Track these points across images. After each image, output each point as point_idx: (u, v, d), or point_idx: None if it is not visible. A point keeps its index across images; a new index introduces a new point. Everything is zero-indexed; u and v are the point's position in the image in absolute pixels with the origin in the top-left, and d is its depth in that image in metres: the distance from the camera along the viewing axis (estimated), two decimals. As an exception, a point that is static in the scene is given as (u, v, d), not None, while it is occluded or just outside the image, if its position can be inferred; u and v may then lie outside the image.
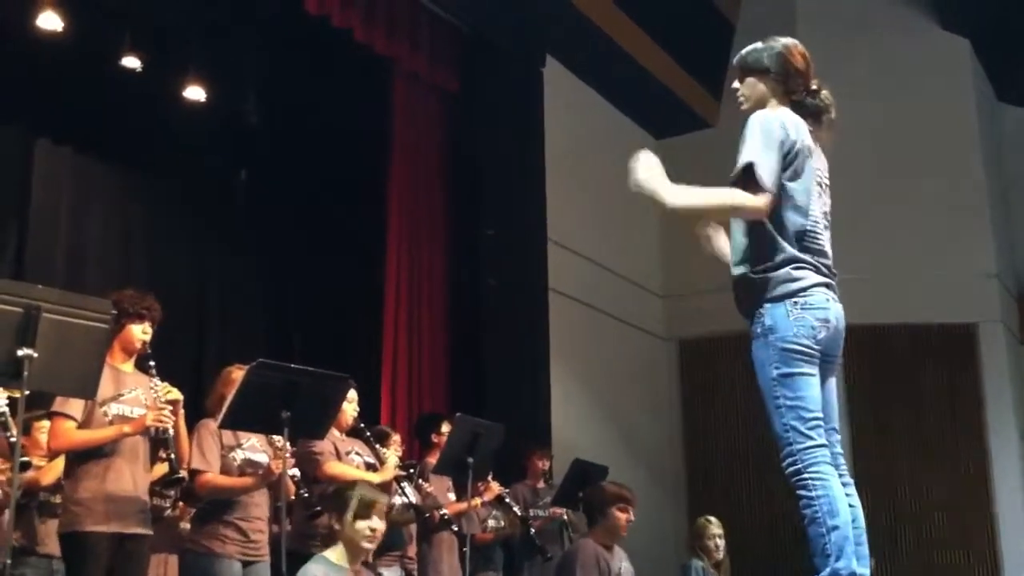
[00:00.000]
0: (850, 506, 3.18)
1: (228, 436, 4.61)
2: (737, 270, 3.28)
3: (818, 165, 3.32)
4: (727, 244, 3.39)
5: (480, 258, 8.30)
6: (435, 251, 8.28)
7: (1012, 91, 11.04)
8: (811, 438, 3.10)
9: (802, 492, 3.07)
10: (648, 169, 3.20)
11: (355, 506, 4.05)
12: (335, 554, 4.05)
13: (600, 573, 5.25)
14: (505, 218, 8.30)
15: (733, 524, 6.99)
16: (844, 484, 3.21)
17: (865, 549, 3.18)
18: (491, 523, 6.42)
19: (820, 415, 3.14)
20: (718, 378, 9.63)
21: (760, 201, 3.11)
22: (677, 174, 3.21)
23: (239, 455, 4.60)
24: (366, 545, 4.10)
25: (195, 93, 7.44)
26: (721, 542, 6.46)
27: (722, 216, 3.34)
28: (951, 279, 9.47)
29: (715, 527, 6.57)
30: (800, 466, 3.08)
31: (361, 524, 4.04)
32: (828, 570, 3.01)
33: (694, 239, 3.53)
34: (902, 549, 7.97)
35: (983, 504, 9.23)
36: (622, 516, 5.39)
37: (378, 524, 4.10)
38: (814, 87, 3.36)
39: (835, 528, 3.02)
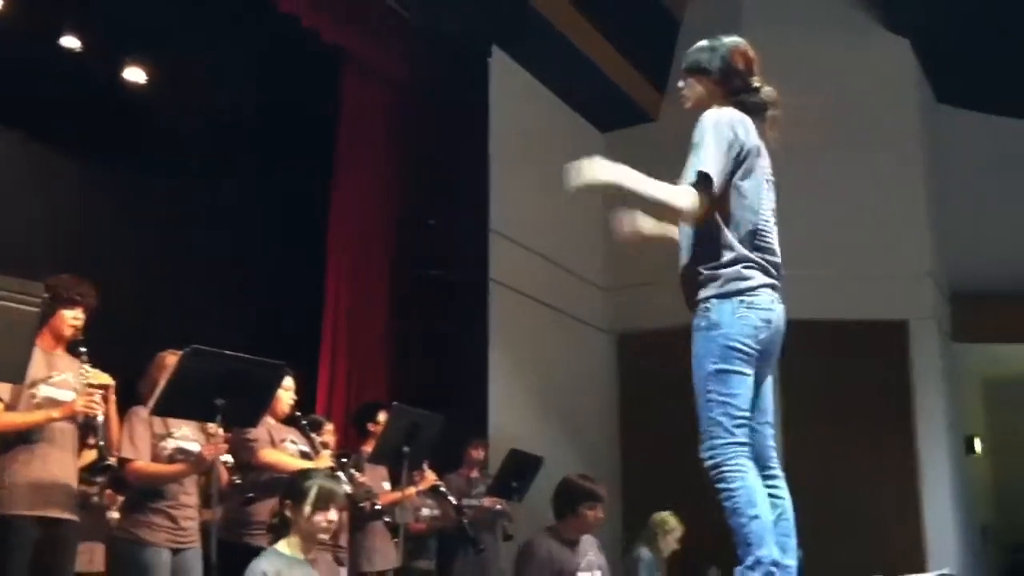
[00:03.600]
0: (779, 499, 3.25)
1: (159, 424, 4.55)
2: (687, 264, 3.32)
3: (765, 163, 3.37)
4: (651, 223, 3.42)
5: (423, 248, 8.28)
6: (378, 241, 8.26)
7: (951, 92, 11.24)
8: (734, 435, 3.15)
9: (721, 485, 3.13)
10: (590, 163, 3.20)
11: (314, 497, 3.98)
12: (287, 546, 3.98)
13: (553, 571, 5.22)
14: (448, 208, 8.30)
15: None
16: (774, 477, 3.28)
17: (793, 541, 3.23)
18: (425, 513, 6.42)
19: (748, 414, 3.19)
20: (657, 372, 9.66)
21: (697, 208, 3.16)
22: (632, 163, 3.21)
23: (170, 443, 4.55)
24: (322, 537, 4.05)
25: (135, 75, 7.32)
26: (676, 543, 6.55)
27: (657, 210, 3.35)
28: (886, 276, 9.62)
29: (676, 525, 6.64)
30: (719, 460, 3.14)
31: (319, 516, 3.99)
32: (751, 559, 3.06)
33: (618, 232, 3.50)
34: (832, 543, 8.07)
35: (911, 499, 9.41)
36: (591, 514, 5.36)
37: (335, 516, 4.06)
38: (756, 85, 3.40)
39: (755, 518, 3.07)
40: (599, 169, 3.15)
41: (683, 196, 3.16)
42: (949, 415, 10.13)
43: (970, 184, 11.25)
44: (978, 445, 12.54)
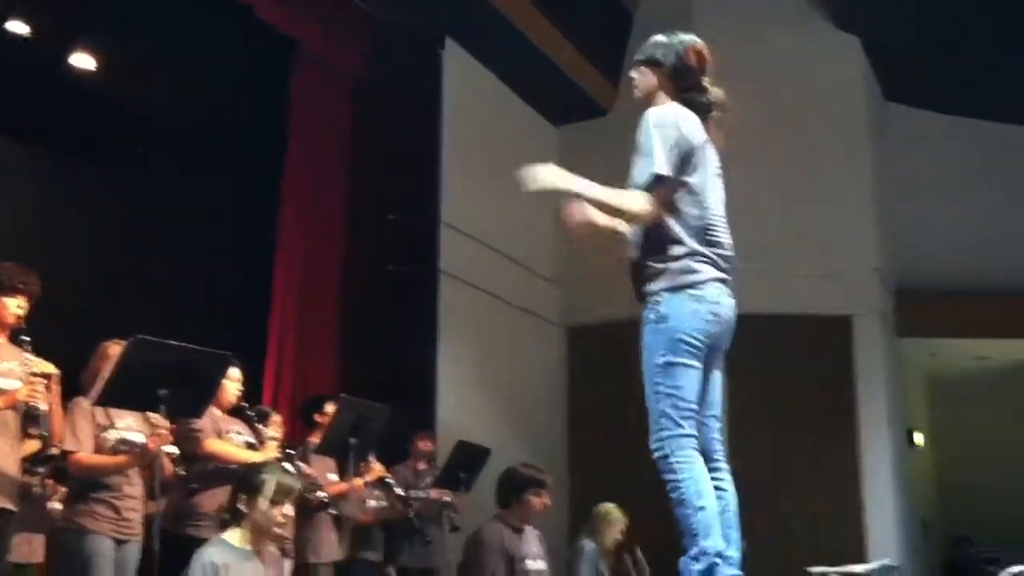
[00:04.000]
0: (724, 491, 3.28)
1: (101, 414, 4.50)
2: (636, 258, 3.35)
3: (712, 157, 3.41)
4: (601, 214, 3.43)
5: (373, 240, 8.24)
6: (329, 232, 8.21)
7: (900, 90, 11.40)
8: (681, 427, 3.18)
9: (669, 476, 3.16)
10: (544, 169, 3.23)
11: (271, 491, 3.94)
12: (236, 536, 3.94)
13: (505, 556, 5.24)
14: (399, 200, 8.27)
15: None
16: (720, 470, 3.32)
17: (736, 533, 3.27)
18: (372, 504, 6.40)
19: (695, 407, 3.23)
20: (607, 365, 9.73)
21: (650, 210, 3.20)
22: (573, 160, 3.24)
23: (113, 434, 4.50)
24: (276, 531, 4.01)
25: (83, 62, 7.22)
26: (620, 534, 6.59)
27: (610, 214, 3.37)
28: (833, 272, 9.74)
29: (620, 517, 6.68)
30: (668, 451, 3.17)
31: (276, 510, 3.95)
32: (696, 549, 3.10)
33: (566, 223, 3.51)
34: (775, 534, 8.17)
35: (853, 491, 9.56)
36: (537, 501, 5.39)
37: (291, 511, 4.03)
38: (705, 85, 3.44)
39: (702, 508, 3.11)
40: (552, 175, 3.21)
41: (635, 201, 3.20)
42: (892, 409, 10.28)
43: (917, 181, 11.43)
44: (920, 439, 12.76)
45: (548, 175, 3.22)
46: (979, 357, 12.56)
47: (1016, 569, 7.03)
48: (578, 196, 3.23)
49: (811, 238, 9.75)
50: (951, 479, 13.10)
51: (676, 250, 3.25)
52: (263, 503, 3.91)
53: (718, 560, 3.09)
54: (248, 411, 5.27)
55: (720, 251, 3.33)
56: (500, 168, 9.01)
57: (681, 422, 3.18)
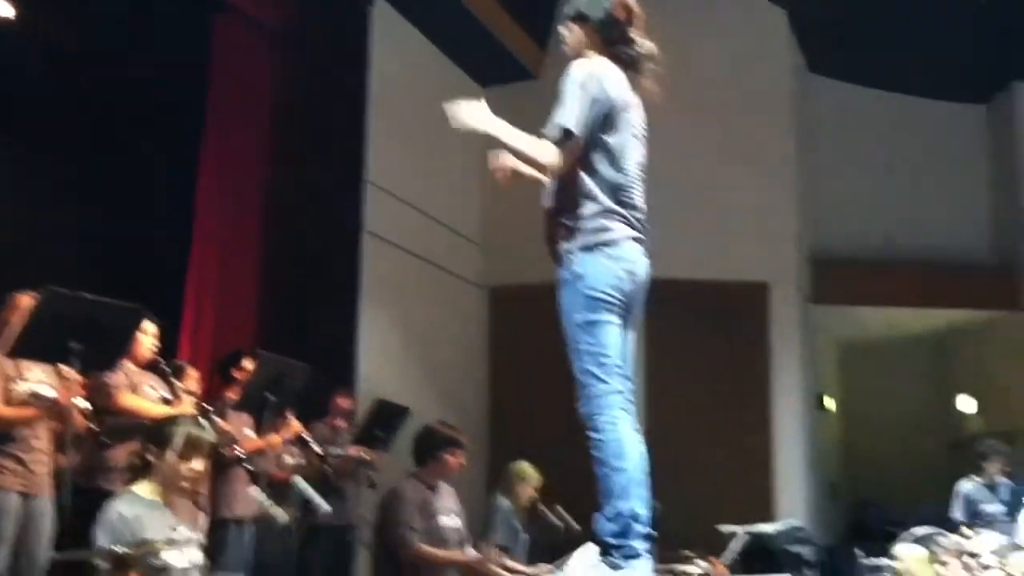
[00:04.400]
0: None
1: (11, 366, 4.42)
2: (551, 215, 3.34)
3: (635, 118, 3.39)
4: (527, 169, 3.44)
5: (296, 198, 8.15)
6: (250, 189, 8.10)
7: (824, 63, 11.57)
8: (607, 383, 3.19)
9: (593, 434, 3.17)
10: (472, 106, 3.21)
11: (180, 444, 3.90)
12: (146, 489, 3.90)
13: (423, 513, 5.26)
14: (324, 159, 8.17)
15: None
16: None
17: (646, 492, 3.29)
18: (289, 461, 6.37)
19: (619, 363, 3.24)
20: (529, 326, 9.77)
21: (558, 162, 3.19)
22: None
23: (22, 387, 4.42)
24: (185, 486, 3.97)
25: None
26: (534, 492, 6.65)
27: (526, 161, 3.37)
28: (751, 239, 9.89)
29: (534, 475, 6.74)
30: (594, 409, 3.18)
31: (184, 464, 3.91)
32: (611, 510, 3.12)
33: (493, 172, 3.53)
34: (687, 493, 8.31)
35: (764, 454, 9.79)
36: (452, 460, 5.41)
37: (200, 466, 3.98)
38: (634, 38, 3.43)
39: (622, 470, 3.12)
40: (475, 114, 3.19)
41: (547, 151, 3.19)
42: (804, 374, 10.52)
43: (835, 152, 11.63)
44: (830, 404, 13.08)
45: (472, 113, 3.20)
46: (891, 325, 12.89)
47: (919, 531, 7.27)
48: (496, 138, 3.20)
49: (730, 205, 9.88)
50: (858, 444, 13.46)
51: (591, 208, 3.25)
52: (171, 456, 3.88)
53: (632, 522, 3.11)
54: (163, 366, 5.21)
55: (634, 212, 3.33)
56: (426, 128, 8.98)
57: (606, 378, 3.19)
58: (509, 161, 3.37)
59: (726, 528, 7.10)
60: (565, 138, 3.18)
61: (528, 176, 3.42)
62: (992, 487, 7.88)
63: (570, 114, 3.19)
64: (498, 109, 3.29)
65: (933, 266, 11.78)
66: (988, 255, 12.47)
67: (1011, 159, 12.37)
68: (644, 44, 3.44)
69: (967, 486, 7.98)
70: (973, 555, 5.47)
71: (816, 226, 11.18)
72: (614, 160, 3.29)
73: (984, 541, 5.73)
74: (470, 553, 5.25)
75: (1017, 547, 5.89)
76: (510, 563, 6.06)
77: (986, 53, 11.23)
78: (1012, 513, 7.84)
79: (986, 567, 5.23)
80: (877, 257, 11.58)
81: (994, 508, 7.79)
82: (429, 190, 9.34)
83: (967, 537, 7.45)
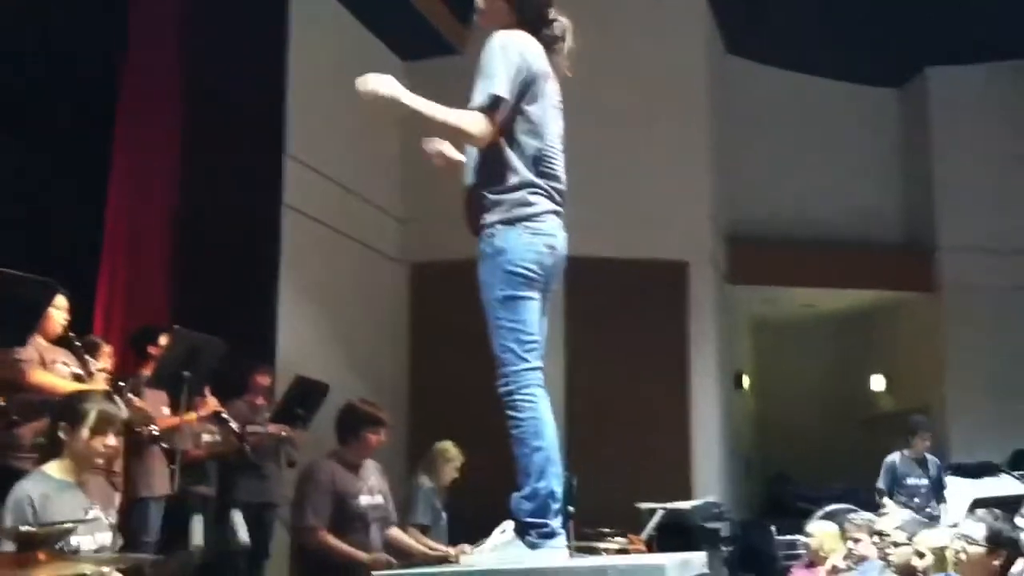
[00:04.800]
0: None
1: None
2: (471, 189, 3.30)
3: (553, 89, 3.37)
4: (456, 154, 3.41)
5: (214, 171, 7.99)
6: (166, 160, 7.91)
7: (741, 44, 11.70)
8: (526, 360, 3.16)
9: (511, 413, 3.14)
10: (381, 79, 3.15)
11: (93, 421, 3.78)
12: (57, 468, 3.80)
13: (335, 494, 5.19)
14: (243, 132, 8.02)
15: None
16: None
17: (558, 469, 3.30)
18: (206, 439, 6.29)
19: (538, 339, 3.21)
20: (450, 302, 9.74)
21: (487, 131, 3.14)
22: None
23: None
24: (99, 462, 3.87)
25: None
26: (456, 471, 6.66)
27: (447, 134, 3.33)
28: (669, 217, 9.98)
29: (457, 455, 6.74)
30: (512, 387, 3.14)
31: (97, 441, 3.81)
32: (529, 489, 3.10)
33: (426, 157, 3.52)
34: (605, 469, 8.40)
35: (681, 431, 9.93)
36: (373, 438, 5.34)
37: (114, 442, 3.88)
38: (550, 17, 3.40)
39: (539, 449, 3.10)
40: (386, 84, 3.11)
41: (473, 121, 3.15)
42: (720, 353, 10.68)
43: (752, 133, 11.79)
44: (746, 381, 13.31)
45: (381, 83, 3.13)
46: (805, 305, 13.15)
47: (830, 508, 7.47)
48: (405, 106, 3.11)
49: (648, 185, 9.94)
50: (773, 421, 13.74)
51: (512, 181, 3.21)
52: (84, 433, 3.78)
53: (550, 501, 3.10)
54: (76, 342, 5.08)
55: (556, 184, 3.30)
56: (347, 102, 8.86)
57: (525, 355, 3.15)
58: (444, 147, 3.31)
59: (644, 505, 7.22)
60: (494, 105, 3.15)
61: (457, 161, 3.38)
62: (920, 461, 8.10)
63: (499, 82, 3.16)
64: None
65: (846, 247, 12.05)
66: (900, 237, 12.80)
67: (923, 143, 12.69)
68: (561, 21, 3.43)
69: (895, 458, 8.20)
70: (883, 533, 5.62)
71: (733, 206, 11.35)
72: (535, 131, 3.26)
73: (893, 518, 5.90)
74: (371, 555, 5.16)
75: (924, 524, 6.07)
76: (430, 542, 6.07)
77: (900, 38, 11.47)
78: (937, 488, 8.10)
79: (895, 543, 5.38)
80: (792, 237, 11.81)
81: (919, 481, 8.01)
82: (350, 164, 9.24)
83: (884, 507, 7.69)
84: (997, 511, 4.92)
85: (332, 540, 5.04)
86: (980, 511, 5.53)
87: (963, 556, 4.44)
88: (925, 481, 8.05)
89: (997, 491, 8.37)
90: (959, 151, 12.32)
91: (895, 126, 13.08)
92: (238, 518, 6.45)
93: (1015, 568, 4.87)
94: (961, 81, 12.43)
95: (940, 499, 8.09)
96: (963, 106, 12.36)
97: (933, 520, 6.28)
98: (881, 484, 8.18)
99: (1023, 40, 11.99)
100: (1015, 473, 9.74)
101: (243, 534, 6.38)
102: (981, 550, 4.35)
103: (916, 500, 7.93)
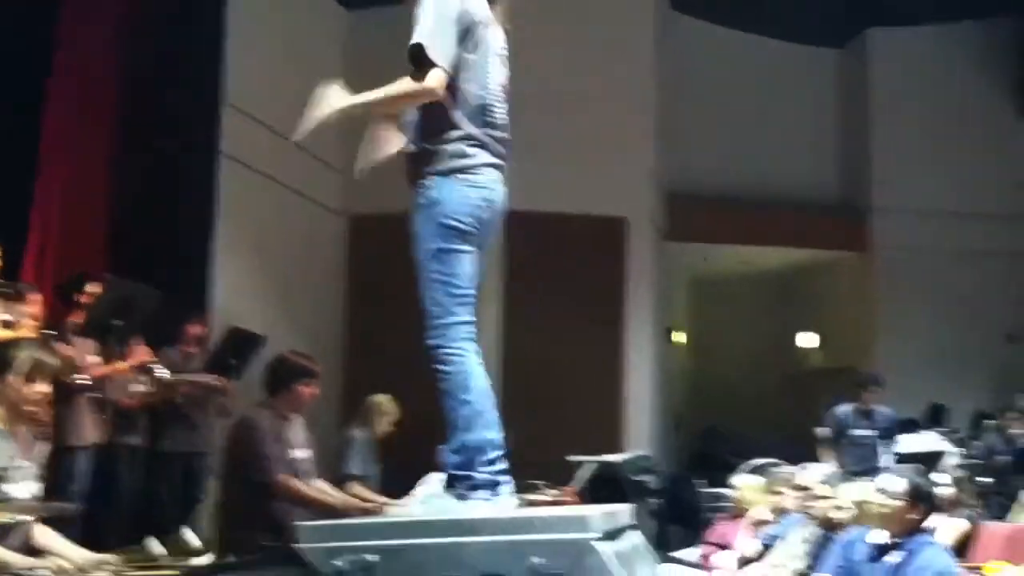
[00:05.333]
0: None
1: None
2: (411, 140, 3.26)
3: (495, 37, 3.33)
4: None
5: (150, 119, 7.85)
6: (101, 106, 7.75)
7: (686, 1, 11.71)
8: (457, 314, 3.15)
9: (440, 366, 3.14)
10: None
11: (24, 367, 3.72)
12: (-13, 416, 3.74)
13: (281, 443, 5.16)
14: (180, 79, 7.88)
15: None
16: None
17: (496, 416, 3.31)
18: (136, 388, 6.22)
19: (471, 292, 3.20)
20: (389, 255, 9.66)
21: (431, 82, 3.08)
22: (362, 44, 3.15)
23: None
24: (32, 410, 3.81)
25: None
26: (391, 425, 6.68)
27: (401, 106, 3.27)
28: (609, 173, 10.02)
29: (391, 408, 6.75)
30: (441, 341, 3.14)
31: (29, 388, 3.74)
32: (457, 442, 3.13)
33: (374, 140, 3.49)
34: (539, 426, 8.47)
35: (615, 386, 10.05)
36: (306, 391, 5.28)
37: (47, 389, 3.81)
38: None
39: (467, 403, 3.12)
40: (336, 98, 3.14)
41: (410, 83, 3.10)
42: (656, 309, 10.79)
43: (694, 90, 11.83)
44: (680, 337, 13.47)
45: (330, 100, 3.15)
46: (742, 262, 13.30)
47: (758, 461, 7.61)
48: (364, 109, 3.16)
49: (590, 140, 9.95)
50: (706, 376, 13.93)
51: (450, 133, 3.17)
52: (16, 380, 3.72)
53: (478, 453, 3.12)
54: (3, 287, 5.00)
55: (496, 132, 3.26)
56: (287, 49, 8.76)
57: (456, 309, 3.15)
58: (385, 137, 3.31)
59: (575, 458, 7.29)
60: (423, 57, 3.11)
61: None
62: (867, 413, 8.29)
63: (438, 51, 3.10)
64: (360, 31, 3.22)
65: (783, 206, 12.20)
66: (835, 198, 12.98)
67: (862, 104, 12.84)
68: None
69: (841, 409, 8.38)
70: (805, 487, 5.76)
71: (672, 163, 11.40)
72: (478, 79, 3.22)
73: (816, 472, 6.03)
74: (336, 496, 5.17)
75: (846, 477, 6.23)
76: (365, 494, 6.08)
77: (842, -1, 11.57)
78: (885, 438, 8.30)
79: (817, 496, 5.51)
80: (730, 196, 11.91)
81: (865, 433, 8.20)
82: (289, 113, 9.05)
83: (823, 455, 7.90)
84: (917, 466, 5.07)
85: (303, 487, 5.00)
86: (900, 465, 5.71)
87: (882, 510, 4.57)
88: (871, 433, 8.25)
89: (918, 447, 8.58)
90: (896, 114, 12.49)
91: (834, 87, 13.21)
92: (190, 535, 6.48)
93: (932, 521, 5.03)
94: (901, 43, 12.57)
95: (889, 450, 8.29)
96: (902, 69, 12.52)
97: (878, 471, 6.43)
98: (826, 433, 8.37)
99: (963, 3, 12.18)
100: (936, 429, 10.03)
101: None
102: (900, 504, 4.48)
103: (861, 451, 8.13)
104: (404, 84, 3.12)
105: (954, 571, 4.42)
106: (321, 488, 5.48)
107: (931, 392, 11.31)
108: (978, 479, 7.96)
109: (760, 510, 6.36)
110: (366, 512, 4.91)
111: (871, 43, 12.78)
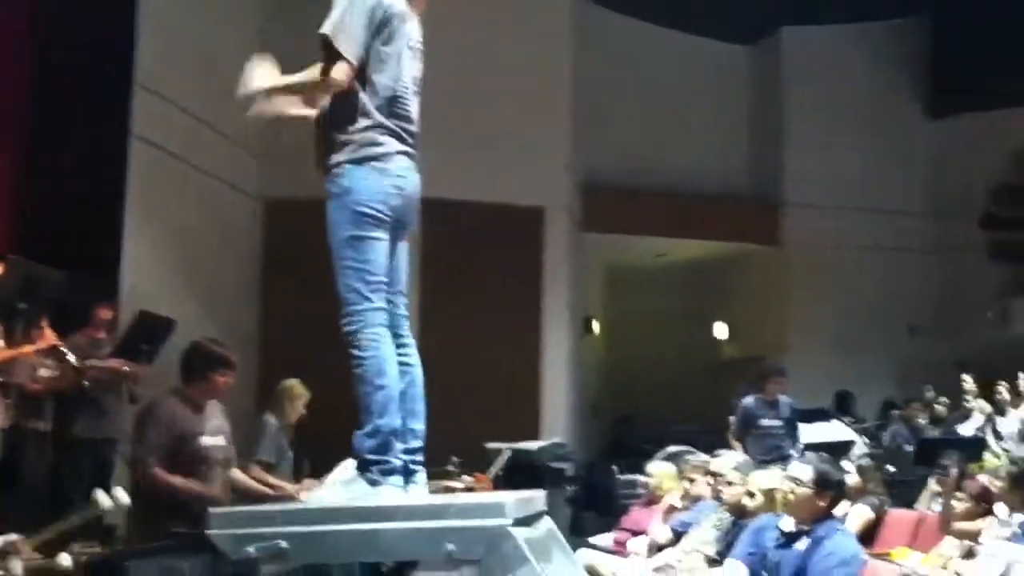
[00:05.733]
0: (410, 366, 3.31)
1: None
2: (322, 127, 3.27)
3: (411, 30, 3.34)
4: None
5: (60, 100, 7.64)
6: (13, 88, 7.53)
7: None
8: (371, 300, 3.18)
9: (355, 352, 3.16)
10: (259, 69, 3.21)
11: None
12: None
13: (174, 433, 5.04)
14: (90, 59, 7.68)
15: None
16: (406, 346, 3.34)
17: (421, 406, 3.33)
18: (43, 373, 6.06)
19: (384, 279, 3.22)
20: (304, 240, 9.57)
21: (337, 74, 3.12)
22: (282, 29, 3.14)
23: None
24: None
25: None
26: (303, 408, 6.61)
27: (311, 94, 3.31)
28: (527, 164, 10.04)
29: (303, 392, 6.68)
30: (356, 327, 3.16)
31: None
32: (370, 427, 3.13)
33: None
34: (457, 413, 8.47)
35: (532, 374, 10.11)
36: (220, 379, 5.18)
37: None
38: None
39: (381, 388, 3.14)
40: (257, 77, 3.20)
41: (326, 79, 3.14)
42: (573, 298, 10.86)
43: (611, 83, 11.93)
44: (596, 327, 13.58)
45: (252, 78, 3.21)
46: (658, 254, 13.46)
47: (672, 449, 7.72)
48: (285, 90, 3.21)
49: (508, 131, 9.98)
50: (622, 365, 14.08)
51: (362, 121, 3.20)
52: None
53: (391, 438, 3.14)
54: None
55: (406, 125, 3.30)
56: (201, 31, 8.59)
57: (370, 295, 3.17)
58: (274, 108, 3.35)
59: (492, 445, 7.32)
60: (338, 49, 3.12)
61: (296, 115, 3.39)
62: (772, 403, 8.43)
63: (349, 43, 3.12)
64: (280, 15, 3.20)
65: (697, 199, 12.38)
66: (749, 191, 13.20)
67: (776, 100, 13.09)
68: None
69: (748, 401, 8.52)
70: (717, 474, 5.85)
71: (590, 155, 11.48)
72: (389, 71, 3.24)
73: (727, 460, 6.14)
74: (210, 486, 5.07)
75: (758, 464, 6.35)
76: (274, 480, 6.02)
77: (757, -2, 11.76)
78: (789, 428, 8.46)
79: (729, 483, 5.61)
80: (646, 188, 12.04)
81: (772, 423, 8.34)
82: (204, 95, 8.94)
83: (733, 447, 8.02)
84: (825, 454, 5.19)
85: (164, 476, 4.90)
86: (809, 454, 5.84)
87: (791, 496, 4.66)
88: (778, 422, 8.40)
89: (827, 436, 8.78)
90: (809, 110, 12.76)
91: (748, 83, 13.44)
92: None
93: (840, 509, 5.15)
94: (814, 42, 12.84)
95: (795, 440, 8.44)
96: (815, 67, 12.79)
97: (786, 460, 6.55)
98: (734, 425, 8.51)
99: (875, 5, 12.47)
100: (845, 419, 10.27)
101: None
102: (808, 491, 4.57)
103: (769, 440, 8.27)
104: (313, 73, 3.17)
105: (861, 558, 4.52)
106: (239, 477, 5.41)
107: (839, 382, 11.59)
108: (884, 467, 8.19)
109: (673, 497, 6.45)
110: (281, 499, 4.86)
111: (785, 41, 13.03)
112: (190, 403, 5.07)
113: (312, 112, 3.35)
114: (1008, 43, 11.83)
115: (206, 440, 5.05)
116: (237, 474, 5.57)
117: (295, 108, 3.39)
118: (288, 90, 3.24)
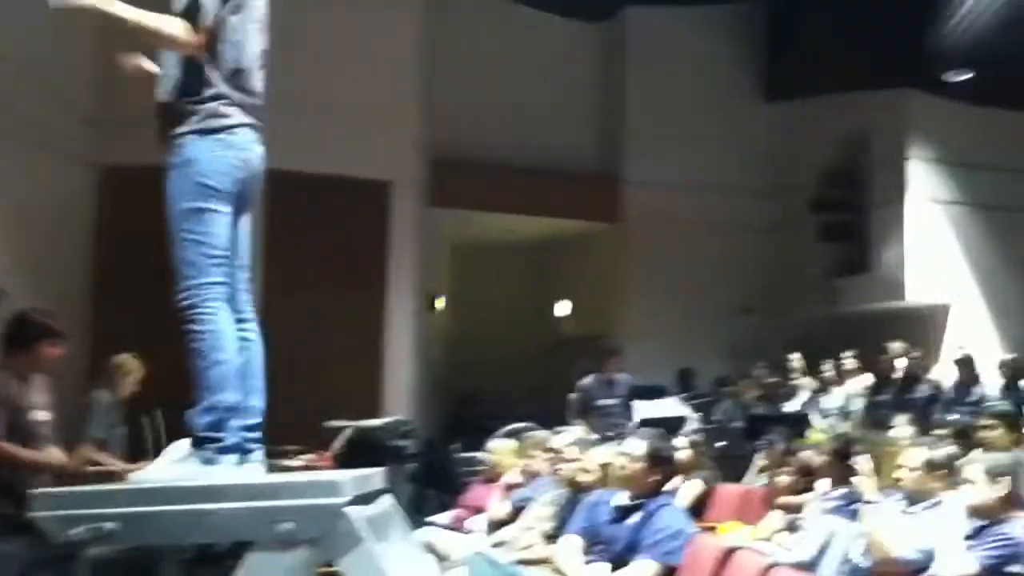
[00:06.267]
0: (250, 341, 3.27)
1: None
2: (165, 97, 3.21)
3: (259, 3, 3.32)
4: (154, 67, 3.31)
5: None
6: None
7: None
8: (210, 275, 3.13)
9: (192, 326, 3.11)
10: None
11: None
12: None
13: (10, 407, 4.83)
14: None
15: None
16: (246, 320, 3.30)
17: (259, 383, 3.29)
18: None
19: (224, 253, 3.18)
20: (143, 211, 9.21)
21: (193, 38, 3.07)
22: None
23: None
24: None
25: None
26: (136, 385, 6.45)
27: (151, 40, 3.19)
28: (374, 137, 9.96)
29: (136, 367, 6.51)
30: (194, 300, 3.12)
31: None
32: (207, 403, 3.09)
33: (123, 72, 3.38)
34: (297, 389, 8.36)
35: (375, 351, 10.07)
36: (49, 351, 4.98)
37: None
38: None
39: (218, 363, 3.10)
40: None
41: (174, 26, 3.07)
42: (418, 274, 10.85)
43: (458, 57, 11.90)
44: (441, 304, 13.60)
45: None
46: (506, 230, 13.54)
47: (513, 426, 7.81)
48: (120, 23, 3.02)
49: (356, 102, 9.86)
50: (466, 342, 14.13)
51: (206, 91, 3.16)
52: None
53: (228, 415, 3.10)
54: None
55: (252, 99, 3.28)
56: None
57: (209, 269, 3.13)
58: (142, 62, 3.25)
59: (333, 423, 7.27)
60: (195, 12, 3.05)
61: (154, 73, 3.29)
62: (610, 382, 8.60)
63: (201, 7, 3.07)
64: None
65: (542, 175, 12.50)
66: (592, 169, 13.40)
67: (619, 78, 13.33)
68: None
69: (586, 381, 8.67)
70: (555, 450, 5.96)
71: (437, 129, 11.45)
72: (235, 43, 3.21)
73: (567, 436, 6.25)
74: (57, 454, 4.89)
75: (597, 441, 6.48)
76: (104, 458, 5.84)
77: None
78: (627, 405, 8.66)
79: (567, 459, 5.71)
80: (492, 163, 12.10)
81: (609, 402, 8.51)
82: (32, 53, 8.50)
83: (573, 426, 8.17)
84: (658, 431, 5.35)
85: (10, 447, 4.71)
86: (644, 430, 6.01)
87: (624, 472, 4.79)
88: (614, 401, 8.59)
89: (662, 412, 9.03)
90: (651, 89, 13.04)
91: (594, 61, 13.62)
92: None
93: (671, 484, 5.32)
94: (658, 22, 13.10)
95: (629, 417, 8.65)
96: (658, 46, 13.06)
97: (625, 437, 6.73)
98: (574, 405, 8.67)
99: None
100: (682, 396, 10.59)
101: None
102: (641, 466, 4.71)
103: (608, 419, 8.45)
104: (164, 21, 3.08)
105: (690, 531, 4.67)
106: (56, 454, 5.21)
107: (676, 360, 11.91)
108: (715, 443, 8.49)
109: (512, 473, 6.53)
110: (110, 476, 4.72)
111: (630, 20, 13.27)
112: (16, 376, 4.87)
113: (148, 67, 3.28)
114: (839, 30, 12.30)
115: (37, 414, 4.87)
116: (60, 456, 5.37)
117: (147, 62, 3.30)
118: (132, 26, 3.06)
